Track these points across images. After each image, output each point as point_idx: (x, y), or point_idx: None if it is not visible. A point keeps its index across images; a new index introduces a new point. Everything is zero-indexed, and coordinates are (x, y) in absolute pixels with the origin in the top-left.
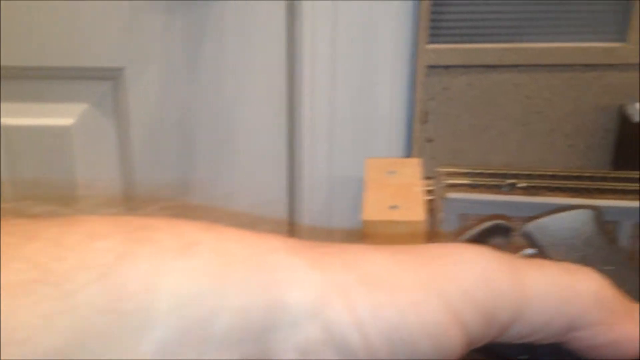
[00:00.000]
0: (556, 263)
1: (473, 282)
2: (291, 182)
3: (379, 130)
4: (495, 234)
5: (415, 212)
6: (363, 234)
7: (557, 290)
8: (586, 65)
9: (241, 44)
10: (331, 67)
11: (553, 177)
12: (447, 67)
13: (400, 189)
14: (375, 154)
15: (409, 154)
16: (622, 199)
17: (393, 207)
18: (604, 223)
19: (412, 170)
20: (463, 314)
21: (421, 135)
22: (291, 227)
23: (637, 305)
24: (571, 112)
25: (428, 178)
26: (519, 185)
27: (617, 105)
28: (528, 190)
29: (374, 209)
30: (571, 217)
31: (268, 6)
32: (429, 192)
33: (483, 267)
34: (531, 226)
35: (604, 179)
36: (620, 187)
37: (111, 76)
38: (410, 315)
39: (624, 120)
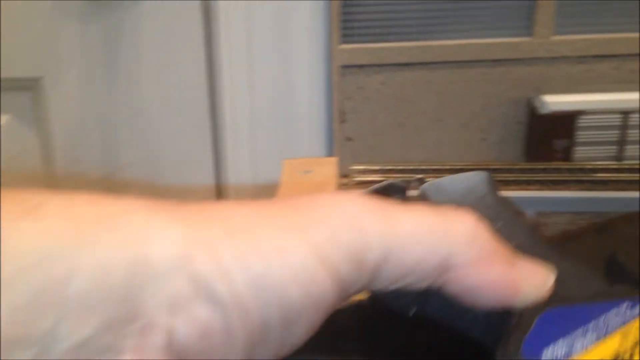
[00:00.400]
0: (432, 206)
1: (340, 224)
2: (218, 187)
3: (300, 131)
4: (391, 193)
5: None
6: None
7: (428, 228)
8: (495, 61)
9: (159, 48)
10: (249, 70)
11: (461, 170)
12: (361, 66)
13: (313, 188)
14: (298, 155)
15: (331, 153)
16: (526, 189)
17: None
18: (496, 184)
19: (327, 169)
20: (331, 258)
21: (341, 135)
22: None
23: (518, 255)
24: (483, 106)
25: (345, 176)
26: (427, 180)
27: (526, 98)
28: None
29: None
30: (465, 178)
31: (184, 9)
32: (344, 189)
33: (351, 210)
34: (427, 186)
35: (510, 170)
36: (524, 178)
37: (30, 86)
38: (276, 261)
39: (532, 112)
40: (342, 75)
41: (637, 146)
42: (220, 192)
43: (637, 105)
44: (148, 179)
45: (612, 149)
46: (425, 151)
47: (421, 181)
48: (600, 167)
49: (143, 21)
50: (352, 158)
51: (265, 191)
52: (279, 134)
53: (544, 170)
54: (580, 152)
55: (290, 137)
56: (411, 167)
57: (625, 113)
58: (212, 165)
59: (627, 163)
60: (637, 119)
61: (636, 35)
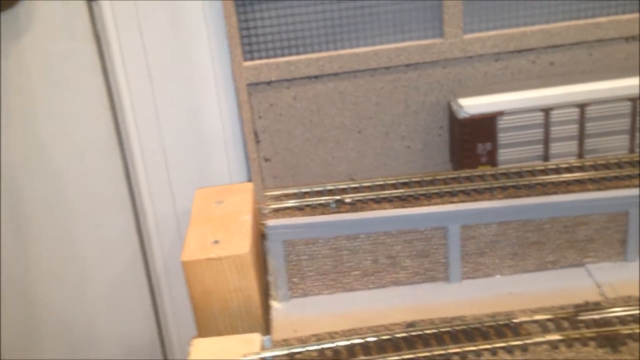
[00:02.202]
0: None
1: None
2: (137, 222)
3: (215, 157)
4: None
5: (239, 245)
6: (186, 277)
7: None
8: (407, 65)
9: (53, 83)
10: (153, 100)
11: (381, 186)
12: (269, 82)
13: (225, 220)
14: (217, 181)
15: (249, 176)
16: (450, 202)
17: (215, 242)
18: None
19: (241, 197)
20: None
21: (258, 156)
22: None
23: None
24: (402, 113)
25: (263, 198)
26: (346, 200)
27: (446, 101)
28: (355, 206)
29: (194, 247)
30: None
31: (76, 40)
32: (260, 217)
33: None
34: None
35: (432, 182)
36: (446, 190)
37: None
38: None
39: (451, 116)
40: (250, 94)
41: (563, 143)
42: (139, 227)
43: (559, 100)
44: (58, 225)
45: (538, 149)
46: (349, 165)
47: (341, 202)
48: (525, 169)
49: (32, 56)
50: (272, 179)
51: (186, 221)
52: (193, 161)
53: (468, 179)
54: (504, 154)
55: (206, 163)
56: (329, 188)
57: (547, 110)
58: (128, 201)
59: (553, 163)
60: (560, 115)
61: (552, 26)
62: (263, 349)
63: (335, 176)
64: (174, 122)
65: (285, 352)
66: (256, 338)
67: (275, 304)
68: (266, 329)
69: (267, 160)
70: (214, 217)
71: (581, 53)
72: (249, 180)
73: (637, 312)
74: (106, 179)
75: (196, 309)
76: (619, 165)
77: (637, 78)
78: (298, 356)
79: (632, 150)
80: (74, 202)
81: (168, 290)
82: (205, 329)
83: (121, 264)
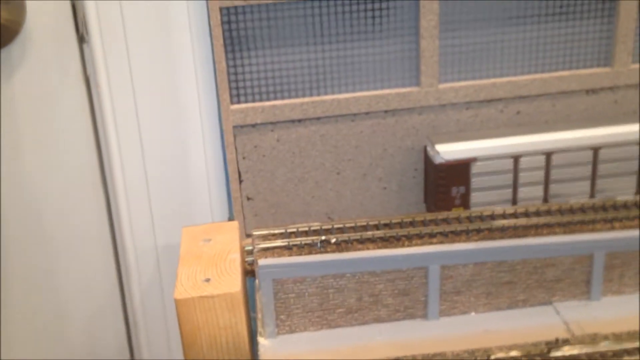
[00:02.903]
0: None
1: None
2: (117, 257)
3: (199, 194)
4: None
5: (229, 284)
6: (178, 314)
7: None
8: (386, 112)
9: (41, 119)
10: (139, 138)
11: (364, 227)
12: (254, 125)
13: (214, 258)
14: (199, 218)
15: (231, 214)
16: (429, 243)
17: (206, 280)
18: None
19: (228, 235)
20: None
21: (240, 195)
22: (123, 303)
23: None
24: (380, 156)
25: (249, 236)
26: (331, 240)
27: (421, 145)
28: (340, 246)
29: (186, 285)
30: None
31: (64, 76)
32: (247, 256)
33: None
34: None
35: (412, 223)
36: (426, 231)
37: None
38: None
39: (428, 161)
40: (236, 135)
41: (530, 188)
42: (118, 262)
43: (527, 148)
44: (37, 259)
45: (507, 193)
46: (327, 204)
47: (326, 242)
48: (497, 213)
49: (22, 92)
50: (253, 217)
51: (166, 257)
52: (175, 198)
53: (445, 221)
54: (477, 197)
55: (189, 200)
56: (314, 228)
57: (516, 157)
58: (108, 235)
59: (522, 206)
60: (528, 162)
61: (519, 78)
62: None
63: (314, 215)
64: (159, 160)
65: None
66: None
67: (262, 341)
68: None
69: (249, 199)
70: (202, 255)
71: (545, 104)
72: (230, 217)
73: (605, 349)
74: (88, 213)
75: (185, 345)
76: (582, 210)
77: (597, 129)
78: None
79: (592, 196)
80: (53, 236)
81: (144, 326)
82: None
83: (99, 297)
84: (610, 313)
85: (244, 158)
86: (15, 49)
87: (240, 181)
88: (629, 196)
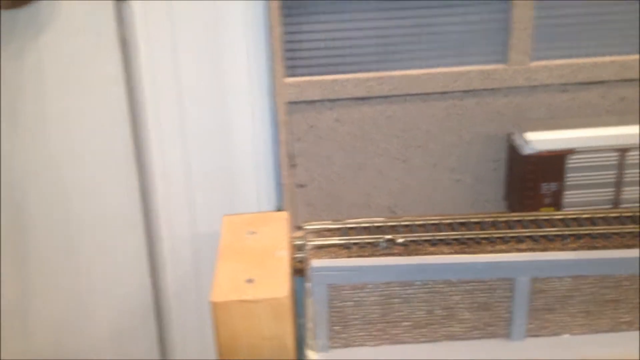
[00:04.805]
0: None
1: None
2: (150, 245)
3: (244, 179)
4: None
5: (276, 287)
6: (214, 319)
7: None
8: (466, 92)
9: (71, 88)
10: (180, 112)
11: (436, 226)
12: (311, 102)
13: (260, 255)
14: (242, 205)
15: (280, 202)
16: (516, 249)
17: (249, 281)
18: None
19: (276, 227)
20: None
21: (291, 181)
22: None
23: None
24: (454, 143)
25: (299, 228)
26: (398, 240)
27: (504, 133)
28: (408, 247)
29: (225, 286)
30: None
31: (99, 42)
32: (296, 252)
33: None
34: None
35: (494, 224)
36: (512, 234)
37: None
38: None
39: (513, 151)
40: (290, 113)
41: (637, 187)
42: (152, 251)
43: (635, 140)
44: (60, 242)
45: (608, 192)
46: (390, 196)
47: (392, 242)
48: (599, 215)
49: (49, 58)
50: (305, 207)
51: (206, 248)
52: (218, 183)
53: (534, 222)
54: (571, 196)
55: (233, 185)
56: (377, 225)
57: (622, 150)
58: (141, 221)
59: (628, 209)
60: (636, 157)
61: (624, 58)
62: None
63: (375, 207)
64: (201, 139)
65: None
66: None
67: (312, 355)
68: None
69: (301, 186)
70: (245, 251)
71: None
72: (278, 207)
73: None
74: (119, 196)
75: (221, 355)
76: None
77: None
78: None
79: None
80: (81, 219)
81: (177, 323)
82: None
83: (128, 290)
84: None
85: (297, 139)
86: (44, 5)
87: (293, 166)
88: None
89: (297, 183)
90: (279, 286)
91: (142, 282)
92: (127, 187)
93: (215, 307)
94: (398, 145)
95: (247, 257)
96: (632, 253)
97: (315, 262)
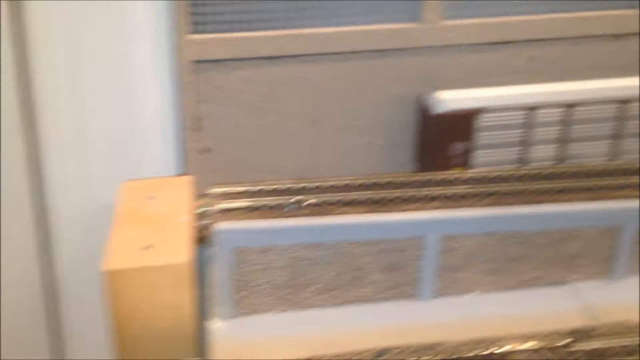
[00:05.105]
0: None
1: None
2: (39, 217)
3: (146, 144)
4: None
5: (175, 253)
6: (107, 290)
7: None
8: (377, 51)
9: None
10: (73, 71)
11: (346, 187)
12: (217, 61)
13: (159, 221)
14: (144, 173)
15: (183, 168)
16: (425, 208)
17: (147, 248)
18: None
19: (178, 192)
20: None
21: (196, 146)
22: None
23: None
24: (365, 105)
25: (204, 195)
26: (307, 202)
27: (416, 94)
28: (317, 208)
29: (120, 254)
30: None
31: None
32: (199, 218)
33: None
34: None
35: (405, 184)
36: (423, 194)
37: None
38: None
39: (423, 112)
40: (195, 73)
41: (545, 146)
42: (43, 222)
43: (544, 99)
44: None
45: (516, 151)
46: (301, 160)
47: (300, 204)
48: (507, 173)
49: None
50: (212, 173)
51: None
52: (117, 149)
53: (445, 182)
54: (480, 156)
55: (134, 150)
56: (285, 187)
57: (530, 109)
58: (27, 195)
59: (536, 168)
60: (545, 115)
61: (537, 17)
62: None
63: (285, 172)
64: (97, 101)
65: None
66: None
67: (216, 323)
68: (202, 354)
69: (206, 151)
70: (143, 217)
71: (565, 49)
72: (182, 173)
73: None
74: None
75: (116, 328)
76: (609, 173)
77: (625, 79)
78: None
79: (616, 157)
80: None
81: (70, 301)
82: (125, 352)
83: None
84: (637, 296)
85: (203, 101)
86: None
87: (198, 129)
88: None
89: (203, 148)
90: (179, 252)
91: (29, 263)
92: (10, 152)
93: (109, 276)
94: (309, 106)
95: (145, 223)
96: (539, 209)
97: (221, 225)
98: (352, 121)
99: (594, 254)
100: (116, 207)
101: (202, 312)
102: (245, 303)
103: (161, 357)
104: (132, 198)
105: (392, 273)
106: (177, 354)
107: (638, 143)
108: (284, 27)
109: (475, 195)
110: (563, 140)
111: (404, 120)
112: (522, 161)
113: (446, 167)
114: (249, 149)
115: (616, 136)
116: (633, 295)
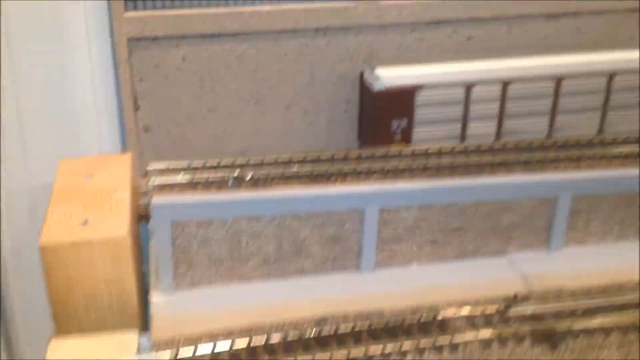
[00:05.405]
0: None
1: None
2: None
3: (85, 123)
4: None
5: (113, 227)
6: (44, 265)
7: None
8: (316, 30)
9: None
10: (8, 54)
11: (287, 163)
12: (154, 39)
13: (97, 197)
14: (85, 152)
15: (124, 147)
16: (365, 181)
17: (84, 223)
18: None
19: (118, 170)
20: None
21: (136, 125)
22: None
23: None
24: (307, 84)
25: (145, 174)
26: (247, 177)
27: (357, 73)
28: (258, 183)
29: (56, 229)
30: None
31: None
32: (141, 195)
33: None
34: None
35: (345, 160)
36: (363, 169)
37: None
38: None
39: (364, 89)
40: (132, 51)
41: (482, 122)
42: None
43: (481, 76)
44: None
45: (455, 128)
46: (243, 139)
47: (241, 180)
48: (445, 149)
49: None
50: (152, 153)
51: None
52: (56, 129)
53: (384, 157)
54: (420, 133)
55: (73, 131)
56: (225, 163)
57: (468, 86)
58: None
59: (474, 144)
60: (481, 92)
61: None
62: (140, 351)
63: (227, 152)
64: (35, 83)
65: (169, 355)
66: (132, 338)
67: (156, 297)
68: (143, 327)
69: (146, 130)
70: (82, 194)
71: (500, 29)
72: (123, 152)
73: (572, 305)
74: None
75: (55, 303)
76: (543, 147)
77: (560, 57)
78: None
79: (550, 134)
80: None
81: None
82: (66, 326)
83: None
84: (573, 265)
85: (140, 80)
86: None
87: (137, 108)
88: (593, 133)
89: (142, 126)
90: (117, 227)
91: None
92: None
93: (45, 251)
94: (249, 86)
95: (83, 199)
96: (475, 182)
97: (157, 199)
98: (294, 100)
99: (531, 225)
100: (54, 184)
101: (146, 287)
102: (186, 277)
103: (103, 330)
104: (71, 176)
105: (332, 246)
106: (120, 327)
107: (574, 119)
108: (223, 5)
109: (414, 169)
110: (500, 117)
111: (346, 99)
112: (459, 138)
113: (388, 143)
114: (190, 129)
115: (550, 112)
116: (569, 264)
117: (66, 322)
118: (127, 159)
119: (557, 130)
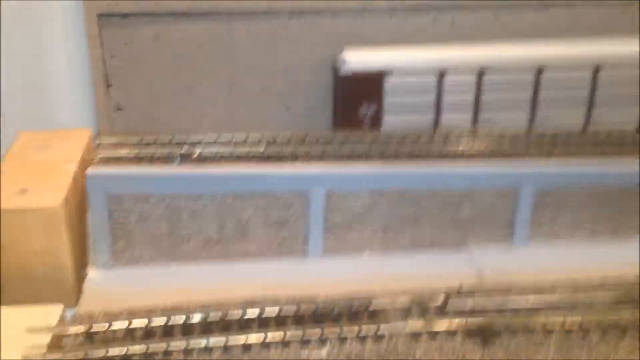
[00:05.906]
0: None
1: None
2: None
3: (58, 100)
4: None
5: (50, 197)
6: None
7: None
8: (291, 12)
9: None
10: None
11: (242, 143)
12: (125, 15)
13: (44, 169)
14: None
15: (97, 126)
16: (316, 163)
17: (22, 191)
18: None
19: (74, 144)
20: None
21: (108, 103)
22: None
23: None
24: (282, 67)
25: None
26: (196, 155)
27: (332, 57)
28: (205, 161)
29: None
30: None
31: None
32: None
33: None
34: None
35: (303, 142)
36: (318, 151)
37: None
38: None
39: (335, 74)
40: (102, 27)
41: (455, 112)
42: None
43: (456, 63)
44: None
45: (427, 117)
46: (217, 121)
47: (188, 156)
48: (409, 137)
49: None
50: (125, 132)
51: None
52: (28, 104)
53: (344, 141)
54: (391, 121)
55: (46, 109)
56: (178, 140)
57: (441, 72)
58: None
59: (441, 133)
60: (454, 81)
61: None
62: (63, 322)
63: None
64: (8, 60)
65: (83, 328)
66: (57, 310)
67: (92, 272)
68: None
69: (118, 109)
70: (31, 164)
71: (486, 17)
72: (95, 131)
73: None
74: None
75: None
76: (513, 138)
77: (544, 46)
78: (99, 334)
79: (531, 125)
80: None
81: None
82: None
83: None
84: (536, 262)
85: (112, 57)
86: None
87: (108, 86)
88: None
89: (113, 105)
90: (53, 196)
91: None
92: None
93: None
94: (225, 67)
95: (30, 170)
96: (430, 169)
97: (92, 170)
98: (268, 83)
99: (493, 219)
100: (6, 154)
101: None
102: (123, 254)
103: (37, 301)
104: (26, 147)
105: (278, 229)
106: (54, 299)
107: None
108: None
109: (371, 155)
110: (476, 106)
111: (320, 83)
112: (434, 126)
113: (357, 128)
114: (162, 109)
115: (530, 103)
116: (532, 261)
117: (3, 289)
118: (85, 133)
119: (538, 120)
